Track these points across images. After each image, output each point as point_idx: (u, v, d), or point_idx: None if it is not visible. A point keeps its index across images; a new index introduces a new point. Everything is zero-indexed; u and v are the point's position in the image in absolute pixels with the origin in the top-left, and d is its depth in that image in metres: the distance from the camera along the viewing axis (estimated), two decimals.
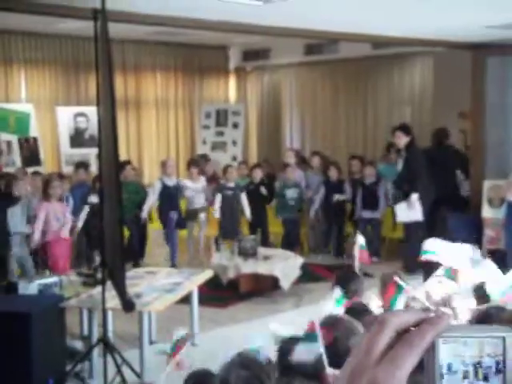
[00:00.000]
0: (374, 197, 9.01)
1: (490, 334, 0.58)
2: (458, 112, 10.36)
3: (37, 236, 7.13)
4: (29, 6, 4.70)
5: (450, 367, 0.57)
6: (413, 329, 0.58)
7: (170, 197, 8.61)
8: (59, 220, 7.32)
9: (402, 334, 0.58)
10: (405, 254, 8.12)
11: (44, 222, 7.14)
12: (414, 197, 8.00)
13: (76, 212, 7.87)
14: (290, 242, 9.15)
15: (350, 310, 3.62)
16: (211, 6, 5.41)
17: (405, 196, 8.19)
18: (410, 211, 8.05)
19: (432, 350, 0.57)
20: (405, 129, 8.37)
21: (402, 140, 8.28)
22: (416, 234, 7.80)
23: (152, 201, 8.67)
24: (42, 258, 7.32)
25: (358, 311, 3.55)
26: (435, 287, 4.38)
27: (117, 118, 4.56)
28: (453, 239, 8.22)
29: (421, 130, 11.62)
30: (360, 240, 5.09)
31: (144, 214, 8.65)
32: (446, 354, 0.57)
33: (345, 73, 12.16)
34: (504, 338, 0.58)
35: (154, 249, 9.62)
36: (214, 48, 12.94)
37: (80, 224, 7.84)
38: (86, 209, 7.82)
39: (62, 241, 7.28)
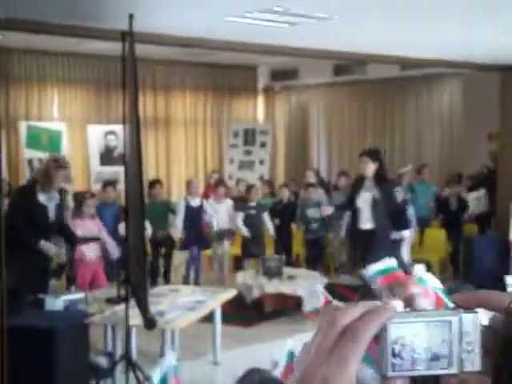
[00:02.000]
0: (401, 217, 8.90)
1: (437, 319, 0.60)
2: (487, 133, 10.29)
3: (89, 254, 7.23)
4: (60, 28, 4.83)
5: (400, 352, 0.59)
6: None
7: (193, 217, 8.64)
8: (92, 237, 7.40)
9: (348, 329, 0.58)
10: None
11: None
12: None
13: (108, 230, 7.94)
14: (314, 263, 9.12)
15: None
16: (239, 28, 5.49)
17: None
18: None
19: (383, 335, 0.59)
20: (372, 154, 7.55)
21: (368, 167, 7.42)
22: None
23: (179, 221, 8.68)
24: (71, 274, 7.43)
25: None
26: None
27: (141, 137, 4.64)
28: (479, 261, 8.18)
29: (450, 151, 11.56)
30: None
31: (175, 233, 8.63)
32: (395, 337, 0.59)
33: (373, 93, 12.17)
34: (450, 322, 0.60)
35: (178, 267, 9.66)
36: (243, 68, 13.06)
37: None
38: (122, 226, 7.86)
39: (95, 259, 7.36)
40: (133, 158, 4.72)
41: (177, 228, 8.61)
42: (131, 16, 4.07)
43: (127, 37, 4.35)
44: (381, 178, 7.48)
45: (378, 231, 7.44)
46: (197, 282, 8.48)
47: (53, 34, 5.18)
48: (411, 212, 8.94)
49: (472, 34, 6.16)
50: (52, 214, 6.00)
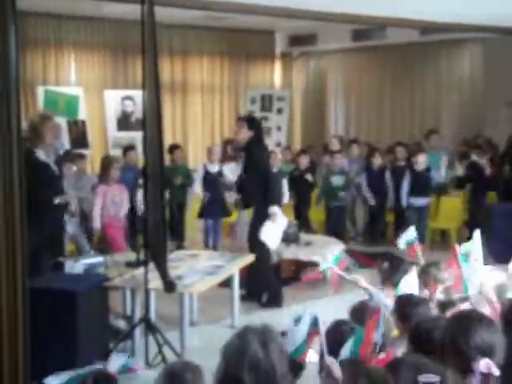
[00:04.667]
0: (424, 184, 8.86)
1: None
2: (507, 101, 10.15)
3: (98, 221, 7.32)
4: None
5: None
6: None
7: (211, 183, 8.63)
8: (116, 203, 7.49)
9: None
10: None
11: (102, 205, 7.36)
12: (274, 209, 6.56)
13: (130, 193, 8.00)
14: (337, 230, 9.10)
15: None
16: None
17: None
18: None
19: None
20: (250, 121, 6.81)
21: (243, 134, 6.65)
22: None
23: (198, 184, 8.70)
24: (100, 239, 7.53)
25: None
26: (488, 276, 4.32)
27: (162, 102, 4.61)
28: (496, 229, 8.12)
29: (469, 118, 11.43)
30: (412, 233, 5.02)
31: (197, 191, 8.62)
32: None
33: (392, 59, 12.01)
34: None
35: (197, 234, 9.70)
36: (261, 33, 12.91)
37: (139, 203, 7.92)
38: (140, 191, 7.91)
39: (119, 223, 7.45)
40: (152, 123, 4.70)
41: (194, 187, 8.66)
42: None
43: (147, 0, 4.30)
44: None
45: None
46: (215, 249, 8.51)
47: None
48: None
49: None
50: (56, 170, 6.05)
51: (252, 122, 6.81)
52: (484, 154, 9.14)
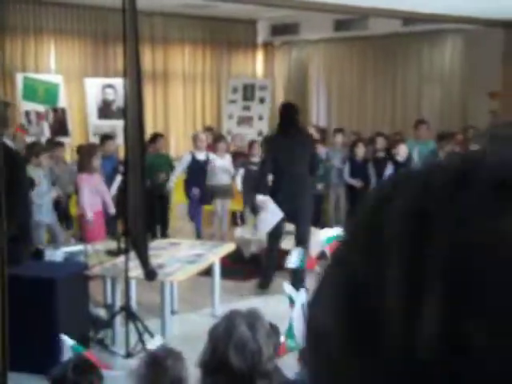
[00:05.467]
0: None
1: None
2: (489, 92, 10.22)
3: (88, 212, 7.10)
4: None
5: None
6: None
7: (199, 171, 8.62)
8: (98, 192, 7.39)
9: None
10: None
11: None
12: (259, 199, 6.66)
13: (107, 183, 7.95)
14: (314, 217, 9.14)
15: None
16: None
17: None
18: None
19: None
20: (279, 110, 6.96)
21: None
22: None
23: (179, 173, 8.69)
24: (78, 229, 7.47)
25: None
26: None
27: (143, 91, 4.59)
28: None
29: (450, 109, 11.51)
30: None
31: (170, 185, 8.68)
32: None
33: (374, 49, 12.03)
34: None
35: (178, 222, 9.69)
36: (243, 22, 12.87)
37: (112, 193, 7.90)
38: (119, 179, 7.87)
39: (99, 213, 7.36)
40: (133, 112, 4.68)
41: (171, 181, 8.66)
42: None
43: None
44: None
45: None
46: (198, 237, 8.50)
47: None
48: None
49: None
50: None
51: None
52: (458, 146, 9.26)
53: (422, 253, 0.40)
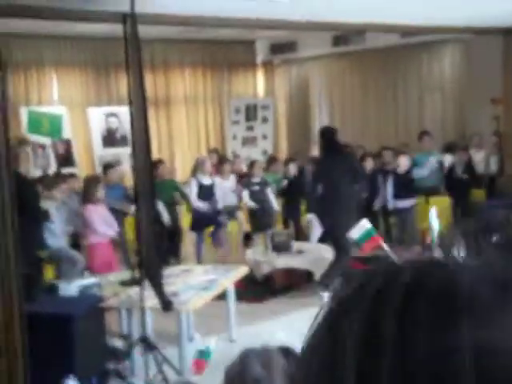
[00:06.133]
0: (407, 186, 8.92)
1: None
2: (491, 98, 10.22)
3: (94, 240, 7.17)
4: (60, 13, 4.77)
5: None
6: None
7: (206, 196, 8.64)
8: (106, 222, 7.39)
9: None
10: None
11: (85, 224, 7.25)
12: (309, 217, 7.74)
13: (112, 212, 7.96)
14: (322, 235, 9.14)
15: None
16: (236, 5, 5.42)
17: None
18: None
19: None
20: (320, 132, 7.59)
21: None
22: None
23: (194, 197, 8.70)
24: (87, 260, 7.44)
25: None
26: None
27: (148, 118, 4.61)
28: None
29: (452, 117, 11.52)
30: (365, 225, 4.84)
31: (198, 205, 8.63)
32: None
33: (373, 63, 12.07)
34: None
35: (189, 248, 9.69)
36: (241, 43, 12.95)
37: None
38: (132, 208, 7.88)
39: (104, 242, 7.36)
40: (140, 139, 4.70)
41: (192, 200, 8.68)
42: None
43: (129, 19, 4.30)
44: None
45: None
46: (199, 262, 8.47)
47: (52, 19, 5.12)
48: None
49: None
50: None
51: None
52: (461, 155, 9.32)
53: (371, 370, 0.43)
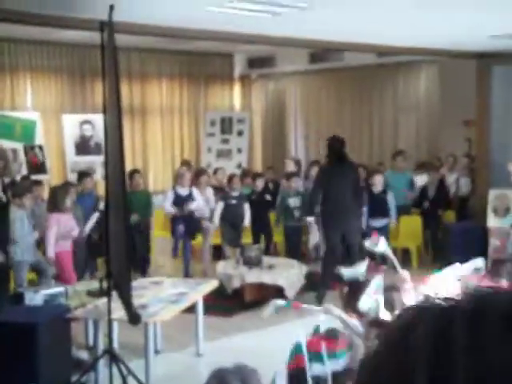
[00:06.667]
0: (382, 205, 8.95)
1: None
2: (463, 120, 10.38)
3: (51, 251, 6.93)
4: (39, 19, 4.73)
5: None
6: None
7: (182, 207, 8.60)
8: (68, 232, 7.22)
9: None
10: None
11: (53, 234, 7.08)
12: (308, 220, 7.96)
13: (86, 221, 7.87)
14: (293, 250, 9.15)
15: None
16: (219, 17, 5.43)
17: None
18: None
19: None
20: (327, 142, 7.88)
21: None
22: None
23: (168, 208, 8.66)
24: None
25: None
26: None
27: (123, 127, 4.57)
28: (458, 248, 8.24)
29: (426, 137, 11.66)
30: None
31: (170, 210, 8.61)
32: None
33: (350, 81, 12.18)
34: None
35: (159, 258, 9.62)
36: (219, 55, 12.97)
37: (87, 231, 7.82)
38: (95, 216, 7.80)
39: (69, 252, 7.20)
40: (114, 148, 4.65)
41: (166, 210, 8.65)
42: (111, 7, 4.00)
43: (106, 27, 4.27)
44: None
45: None
46: (187, 275, 8.40)
47: (31, 24, 5.07)
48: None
49: (449, 22, 6.18)
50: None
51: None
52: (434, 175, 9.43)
53: (445, 374, 0.48)
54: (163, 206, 8.80)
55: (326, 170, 7.81)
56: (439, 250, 9.09)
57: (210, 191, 9.13)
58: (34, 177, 9.64)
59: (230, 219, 8.87)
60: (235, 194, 8.98)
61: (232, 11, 5.07)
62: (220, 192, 9.36)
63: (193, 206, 8.62)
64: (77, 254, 7.41)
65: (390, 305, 4.30)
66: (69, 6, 4.51)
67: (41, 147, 10.34)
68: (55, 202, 7.09)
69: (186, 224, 8.65)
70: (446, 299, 0.53)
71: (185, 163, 11.11)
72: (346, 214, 7.51)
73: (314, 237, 7.75)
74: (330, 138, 7.97)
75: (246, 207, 8.98)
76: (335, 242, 7.60)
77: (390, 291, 4.37)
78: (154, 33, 5.85)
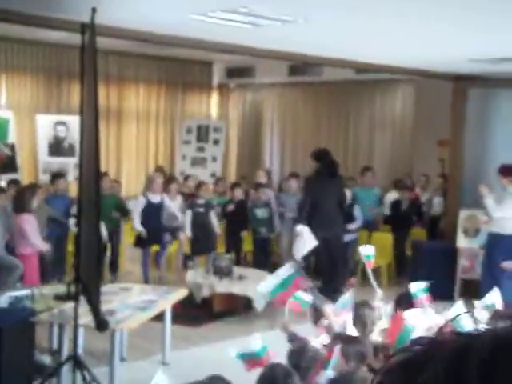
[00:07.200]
0: (349, 219, 8.99)
1: None
2: (437, 140, 10.50)
3: (25, 251, 6.90)
4: (20, 17, 4.66)
5: None
6: None
7: (154, 214, 8.53)
8: (36, 234, 7.10)
9: None
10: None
11: (19, 234, 6.95)
12: (298, 228, 7.90)
13: (57, 223, 7.76)
14: (262, 261, 9.15)
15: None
16: (201, 26, 5.41)
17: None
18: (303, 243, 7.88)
19: None
20: (315, 154, 8.39)
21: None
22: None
23: (138, 215, 8.56)
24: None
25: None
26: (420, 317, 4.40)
27: (99, 130, 4.52)
28: (426, 267, 8.30)
29: (400, 155, 11.76)
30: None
31: (137, 229, 8.51)
32: None
33: (327, 95, 12.25)
34: None
35: (127, 264, 9.53)
36: (199, 63, 12.96)
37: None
38: (71, 221, 7.68)
39: (35, 254, 7.08)
40: (89, 151, 4.59)
41: (134, 222, 8.54)
42: (94, 9, 3.96)
43: (88, 30, 4.23)
44: None
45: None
46: (146, 282, 8.33)
47: (10, 22, 5.00)
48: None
49: (428, 44, 6.26)
50: None
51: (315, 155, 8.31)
52: (406, 193, 9.51)
53: None
54: (133, 215, 8.67)
55: (313, 180, 8.19)
56: (406, 267, 9.16)
57: (179, 199, 9.09)
58: (4, 176, 9.51)
59: (199, 227, 8.83)
60: (201, 201, 8.93)
61: (215, 21, 5.06)
62: (189, 199, 9.31)
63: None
64: (44, 256, 7.29)
65: (361, 321, 4.31)
66: (50, 6, 4.45)
67: (13, 146, 10.19)
68: (22, 203, 6.98)
69: (158, 237, 8.61)
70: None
71: (159, 169, 11.06)
72: (333, 225, 7.95)
73: (306, 245, 7.72)
74: (320, 150, 8.41)
75: (213, 215, 8.94)
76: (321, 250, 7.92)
77: (363, 308, 4.38)
78: (134, 37, 5.81)
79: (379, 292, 4.91)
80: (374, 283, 5.02)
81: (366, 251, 5.37)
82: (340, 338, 3.78)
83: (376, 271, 9.35)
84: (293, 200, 9.68)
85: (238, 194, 9.49)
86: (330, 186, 8.06)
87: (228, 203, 9.43)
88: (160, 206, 8.63)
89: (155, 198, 8.63)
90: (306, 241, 7.67)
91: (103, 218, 8.10)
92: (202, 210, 8.84)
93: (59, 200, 8.08)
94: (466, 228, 8.43)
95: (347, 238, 8.97)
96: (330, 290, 7.43)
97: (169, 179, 9.53)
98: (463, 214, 8.48)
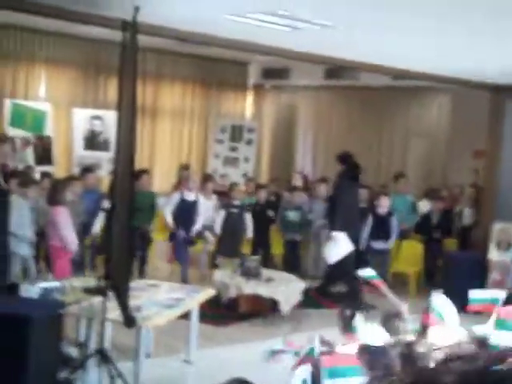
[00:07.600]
0: (385, 228, 8.90)
1: None
2: (473, 151, 10.35)
3: (57, 243, 6.95)
4: (62, 13, 4.73)
5: None
6: None
7: (187, 212, 8.55)
8: (69, 225, 7.15)
9: None
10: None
11: (52, 226, 7.01)
12: (333, 233, 7.97)
13: (88, 218, 7.81)
14: (290, 264, 9.13)
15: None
16: (236, 26, 5.42)
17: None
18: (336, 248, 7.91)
19: None
20: (340, 157, 8.48)
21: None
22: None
23: (169, 213, 8.61)
24: (46, 261, 7.25)
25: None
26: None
27: (136, 127, 4.56)
28: (457, 278, 8.19)
29: (434, 164, 11.62)
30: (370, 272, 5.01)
31: (171, 226, 8.55)
32: None
33: (363, 100, 12.17)
34: None
35: (156, 261, 9.59)
36: (235, 63, 12.97)
37: (94, 230, 7.78)
38: (101, 215, 7.71)
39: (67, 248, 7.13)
40: (125, 147, 4.63)
41: (167, 219, 8.60)
42: (137, 8, 3.99)
43: (130, 28, 4.27)
44: None
45: None
46: (184, 280, 8.34)
47: (55, 17, 5.07)
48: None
49: (468, 53, 6.18)
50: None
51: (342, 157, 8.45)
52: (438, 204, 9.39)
53: None
54: (165, 211, 8.72)
55: (341, 183, 8.39)
56: (436, 278, 9.04)
57: (214, 198, 9.11)
58: (39, 168, 9.65)
59: (230, 228, 8.83)
60: (237, 203, 8.94)
61: (252, 22, 5.06)
62: (223, 199, 9.32)
63: (197, 226, 8.60)
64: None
65: (393, 333, 4.23)
66: (92, 3, 4.51)
67: (49, 138, 10.34)
68: (55, 195, 7.03)
69: (187, 231, 8.61)
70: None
71: (184, 167, 10.95)
72: (351, 228, 8.09)
73: (341, 250, 7.75)
74: (344, 152, 8.47)
75: (248, 217, 8.93)
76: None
77: (393, 319, 4.31)
78: (174, 36, 5.85)
79: (404, 305, 4.83)
80: (395, 299, 4.90)
81: (366, 273, 5.12)
82: (366, 349, 3.73)
83: (404, 279, 9.31)
84: (320, 207, 9.59)
85: (261, 195, 9.47)
86: (355, 190, 8.41)
87: (255, 205, 9.42)
88: (194, 204, 8.64)
89: (190, 196, 8.64)
90: (341, 246, 7.69)
91: (139, 214, 8.20)
92: (236, 210, 8.86)
93: (88, 194, 8.10)
94: (499, 240, 8.31)
95: (379, 245, 8.90)
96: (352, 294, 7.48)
97: (205, 178, 9.55)
98: (497, 227, 8.36)
